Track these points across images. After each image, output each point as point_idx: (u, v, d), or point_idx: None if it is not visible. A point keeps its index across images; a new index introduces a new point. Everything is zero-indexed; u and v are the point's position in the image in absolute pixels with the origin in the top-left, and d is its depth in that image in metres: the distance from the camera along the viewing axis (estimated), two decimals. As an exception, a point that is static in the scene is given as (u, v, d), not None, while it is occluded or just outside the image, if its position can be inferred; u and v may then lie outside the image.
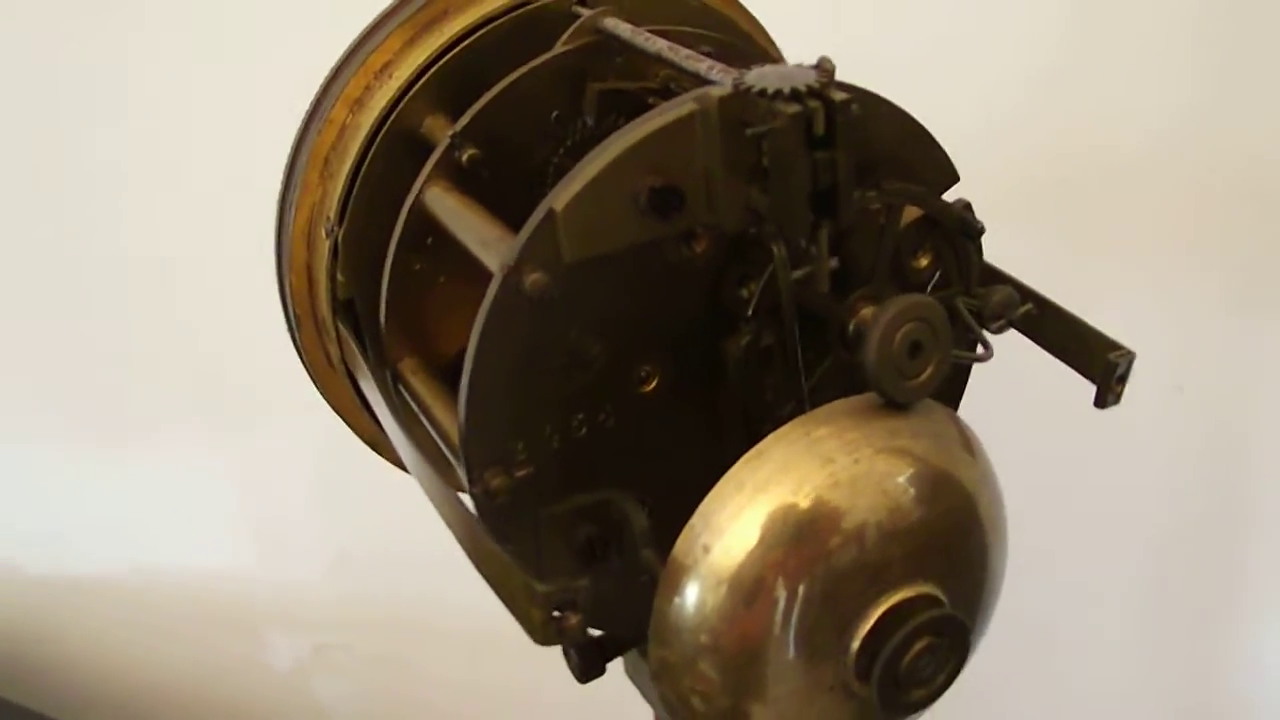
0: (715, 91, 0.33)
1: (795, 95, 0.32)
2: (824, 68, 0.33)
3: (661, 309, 0.36)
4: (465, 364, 0.35)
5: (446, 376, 0.43)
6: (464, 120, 0.40)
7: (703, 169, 0.34)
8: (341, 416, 0.50)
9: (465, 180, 0.40)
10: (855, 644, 0.34)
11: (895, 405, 0.34)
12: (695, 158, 0.34)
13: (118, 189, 0.87)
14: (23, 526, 1.02)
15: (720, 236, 0.36)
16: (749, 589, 0.32)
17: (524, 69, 0.40)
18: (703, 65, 0.36)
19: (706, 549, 0.33)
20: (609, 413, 0.37)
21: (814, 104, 0.32)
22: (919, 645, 0.33)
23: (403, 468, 0.51)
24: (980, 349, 0.37)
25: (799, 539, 0.33)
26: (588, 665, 0.48)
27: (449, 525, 0.36)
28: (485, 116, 0.40)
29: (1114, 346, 0.39)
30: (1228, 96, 0.70)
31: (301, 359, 0.48)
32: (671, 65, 0.38)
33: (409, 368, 0.42)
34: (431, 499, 0.37)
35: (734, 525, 0.33)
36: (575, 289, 0.34)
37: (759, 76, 0.33)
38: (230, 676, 0.97)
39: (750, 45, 0.47)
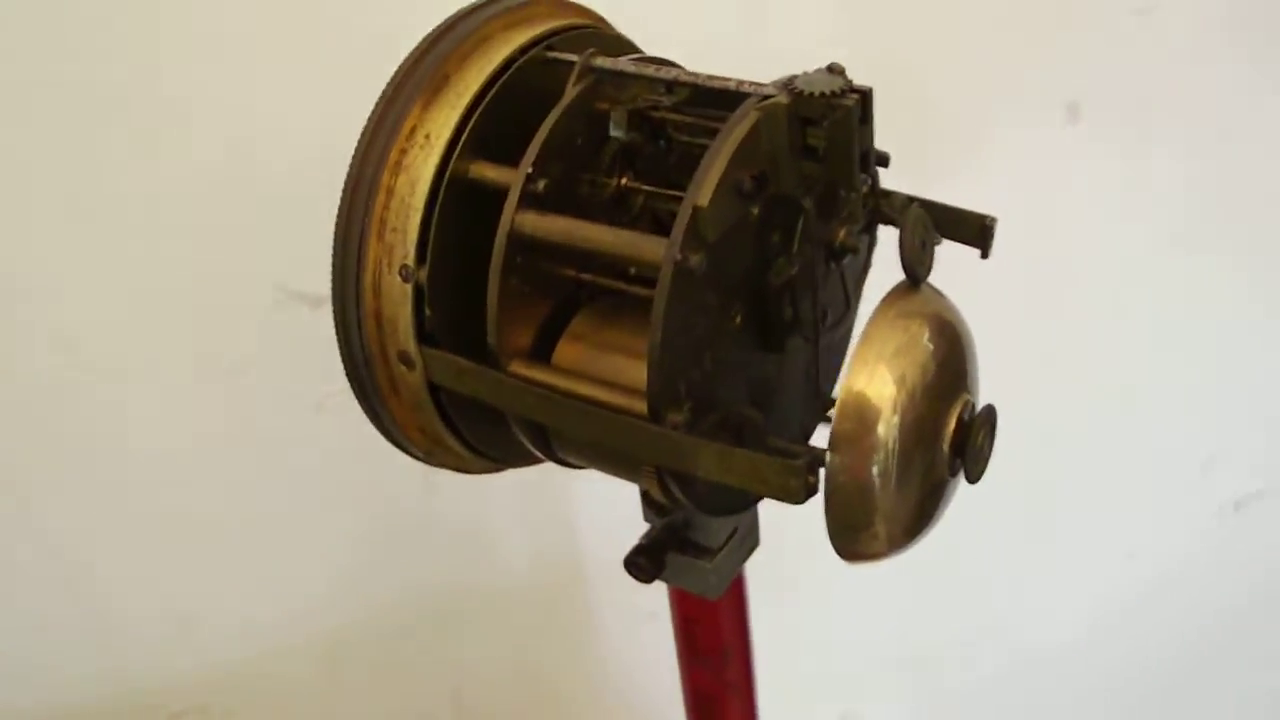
0: (778, 99, 0.47)
1: (843, 92, 0.47)
2: (838, 70, 0.48)
3: (737, 261, 0.50)
4: (652, 334, 0.46)
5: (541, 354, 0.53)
6: (531, 158, 0.50)
7: (768, 155, 0.48)
8: (395, 436, 0.57)
9: (545, 206, 0.50)
10: (946, 445, 0.50)
11: (915, 283, 0.51)
12: (762, 148, 0.48)
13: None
14: None
15: (766, 201, 0.50)
16: (901, 406, 0.48)
17: (558, 110, 0.51)
18: (730, 82, 0.50)
19: (861, 394, 0.48)
20: (721, 347, 0.50)
21: (855, 96, 0.47)
22: (983, 433, 0.51)
23: (465, 470, 0.60)
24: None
25: (905, 382, 0.48)
26: (656, 566, 0.61)
27: (657, 457, 0.47)
28: (542, 154, 0.50)
29: (983, 217, 0.58)
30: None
31: (367, 395, 0.55)
32: (692, 85, 0.51)
33: (520, 366, 0.52)
34: (629, 446, 0.48)
35: (870, 387, 0.48)
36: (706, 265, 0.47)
37: (806, 83, 0.47)
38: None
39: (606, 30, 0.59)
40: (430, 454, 0.59)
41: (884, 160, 0.56)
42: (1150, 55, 1.03)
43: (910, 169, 0.55)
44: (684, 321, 0.47)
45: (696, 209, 0.46)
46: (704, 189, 0.46)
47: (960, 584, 1.32)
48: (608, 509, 1.10)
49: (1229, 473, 1.38)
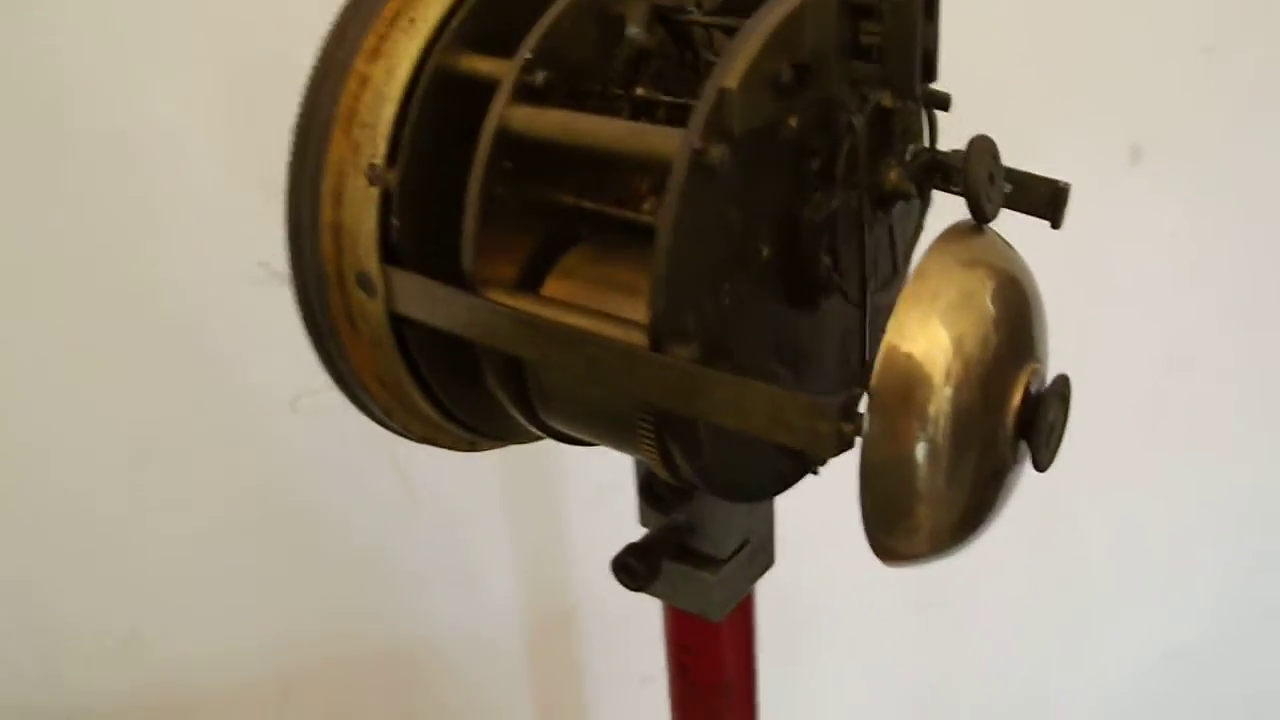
0: (827, -21, 0.39)
1: (906, -25, 0.39)
2: (902, -45, 0.40)
3: (767, 184, 0.41)
4: (660, 241, 0.38)
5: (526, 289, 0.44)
6: (531, 45, 0.42)
7: (813, 49, 0.40)
8: (350, 385, 0.49)
9: (539, 101, 0.42)
10: (1010, 422, 0.41)
11: (980, 224, 0.42)
12: (807, 38, 0.40)
13: None
14: None
15: (807, 110, 0.42)
16: (955, 373, 0.39)
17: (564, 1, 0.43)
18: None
19: (909, 355, 0.39)
20: (743, 282, 0.41)
21: (921, -17, 0.39)
22: (1054, 410, 0.41)
23: (432, 440, 0.51)
24: None
25: (963, 344, 0.39)
26: (649, 571, 0.51)
27: (662, 394, 0.38)
28: (544, 43, 0.42)
29: (1054, 182, 0.49)
30: None
31: (318, 327, 0.47)
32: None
33: (500, 295, 0.43)
34: (623, 382, 0.39)
35: (920, 345, 0.39)
36: (730, 165, 0.39)
37: (863, -35, 0.39)
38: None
39: None
40: (391, 413, 0.50)
41: (944, 102, 0.48)
42: (1216, 95, 0.96)
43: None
44: (699, 232, 0.38)
45: (723, 91, 0.37)
46: (733, 69, 0.38)
47: (980, 680, 1.20)
48: (605, 552, 1.00)
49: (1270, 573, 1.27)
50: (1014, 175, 0.50)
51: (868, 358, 0.49)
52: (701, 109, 0.37)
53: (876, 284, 0.48)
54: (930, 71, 0.41)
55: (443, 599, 0.97)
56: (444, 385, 0.48)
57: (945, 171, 0.48)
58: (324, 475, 0.88)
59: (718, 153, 0.37)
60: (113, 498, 0.83)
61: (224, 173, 0.77)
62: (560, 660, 1.03)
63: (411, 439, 0.52)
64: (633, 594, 0.56)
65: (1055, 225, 0.50)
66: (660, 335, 0.38)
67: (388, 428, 0.51)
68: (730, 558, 0.53)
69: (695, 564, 0.53)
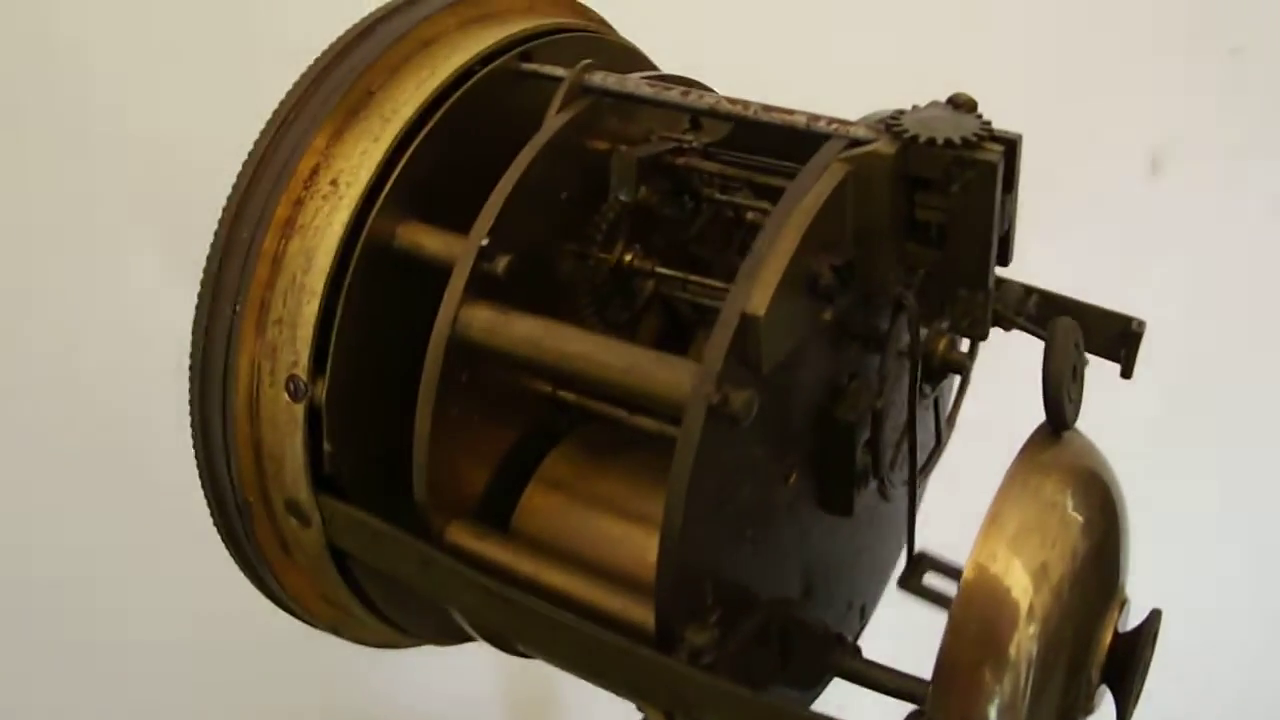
0: (877, 146, 0.30)
1: (979, 141, 0.30)
2: (965, 103, 0.31)
3: (796, 396, 0.33)
4: (668, 514, 0.29)
5: (487, 521, 0.36)
6: (489, 221, 0.33)
7: (858, 232, 0.31)
8: (293, 608, 0.40)
9: (506, 295, 0.33)
10: (1095, 669, 0.33)
11: (1059, 429, 0.34)
12: (850, 221, 0.31)
13: None
14: None
15: (842, 305, 0.33)
16: (1029, 641, 0.31)
17: (533, 149, 0.34)
18: (797, 116, 0.33)
19: (980, 623, 0.31)
20: (768, 520, 0.33)
21: (997, 148, 0.30)
22: (1148, 653, 0.34)
23: (391, 646, 0.43)
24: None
25: (1048, 575, 0.32)
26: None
27: (672, 703, 0.30)
28: (505, 219, 0.33)
29: (1126, 319, 0.41)
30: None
31: (244, 555, 0.38)
32: (737, 118, 0.34)
33: (463, 532, 0.34)
34: (625, 680, 0.31)
35: (1003, 586, 0.31)
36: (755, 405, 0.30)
37: (920, 125, 0.30)
38: None
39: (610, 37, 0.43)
40: (340, 628, 0.41)
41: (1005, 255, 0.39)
42: (1243, 100, 0.87)
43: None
44: (717, 491, 0.30)
45: (747, 320, 0.28)
46: (759, 285, 0.29)
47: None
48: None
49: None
50: (1081, 309, 0.42)
51: (910, 547, 0.41)
52: (719, 342, 0.28)
53: (920, 463, 0.40)
54: (1006, 255, 0.32)
55: (420, 669, 0.89)
56: (398, 609, 0.39)
57: (998, 319, 0.39)
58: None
59: (741, 401, 0.28)
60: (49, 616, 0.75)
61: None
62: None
63: (364, 645, 0.43)
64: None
65: (1126, 374, 0.41)
66: (669, 624, 0.30)
67: (339, 636, 0.43)
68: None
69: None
